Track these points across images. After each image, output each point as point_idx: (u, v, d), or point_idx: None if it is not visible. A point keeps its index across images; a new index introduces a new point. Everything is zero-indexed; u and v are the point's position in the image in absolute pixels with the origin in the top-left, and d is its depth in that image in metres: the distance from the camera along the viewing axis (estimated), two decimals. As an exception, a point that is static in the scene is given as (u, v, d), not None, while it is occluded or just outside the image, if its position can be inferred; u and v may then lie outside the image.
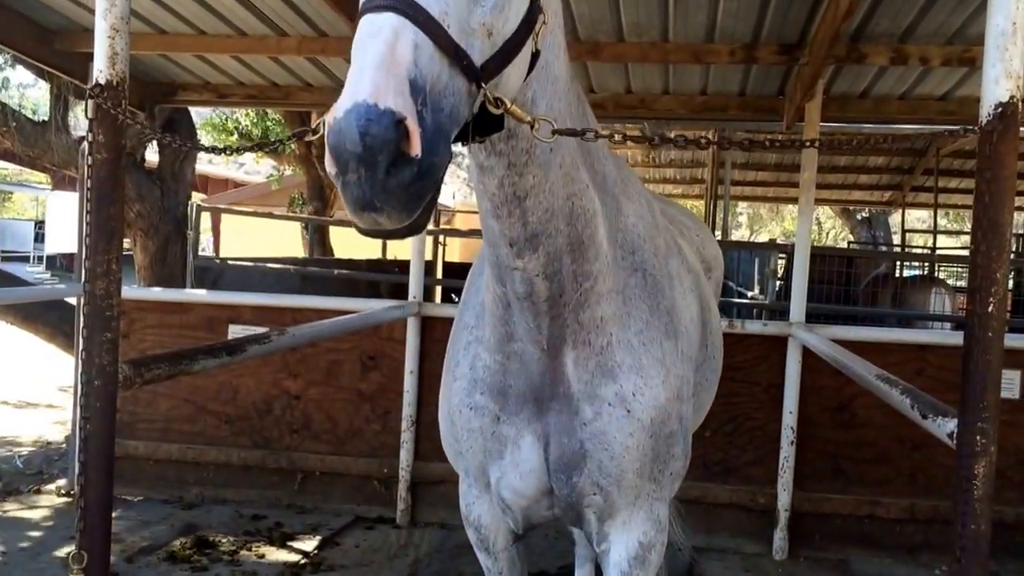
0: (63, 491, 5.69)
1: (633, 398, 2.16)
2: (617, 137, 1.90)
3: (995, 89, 1.90)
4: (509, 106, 1.59)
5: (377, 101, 1.28)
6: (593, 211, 2.04)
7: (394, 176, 1.31)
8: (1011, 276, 10.24)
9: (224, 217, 17.74)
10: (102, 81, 2.14)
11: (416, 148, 1.31)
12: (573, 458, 2.19)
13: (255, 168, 29.85)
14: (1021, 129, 1.94)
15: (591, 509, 2.28)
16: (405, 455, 5.47)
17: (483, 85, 1.52)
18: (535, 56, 1.71)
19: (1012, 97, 1.88)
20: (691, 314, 2.48)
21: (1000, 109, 1.89)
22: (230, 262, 8.67)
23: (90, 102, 2.14)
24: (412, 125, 1.31)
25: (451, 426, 2.40)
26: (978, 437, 1.94)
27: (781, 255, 9.65)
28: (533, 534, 2.79)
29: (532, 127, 1.67)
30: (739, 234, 31.40)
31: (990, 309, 1.92)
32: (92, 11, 2.17)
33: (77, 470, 2.20)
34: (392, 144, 1.29)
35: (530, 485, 2.26)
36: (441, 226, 12.65)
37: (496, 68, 1.56)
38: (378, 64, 1.33)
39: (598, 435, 2.16)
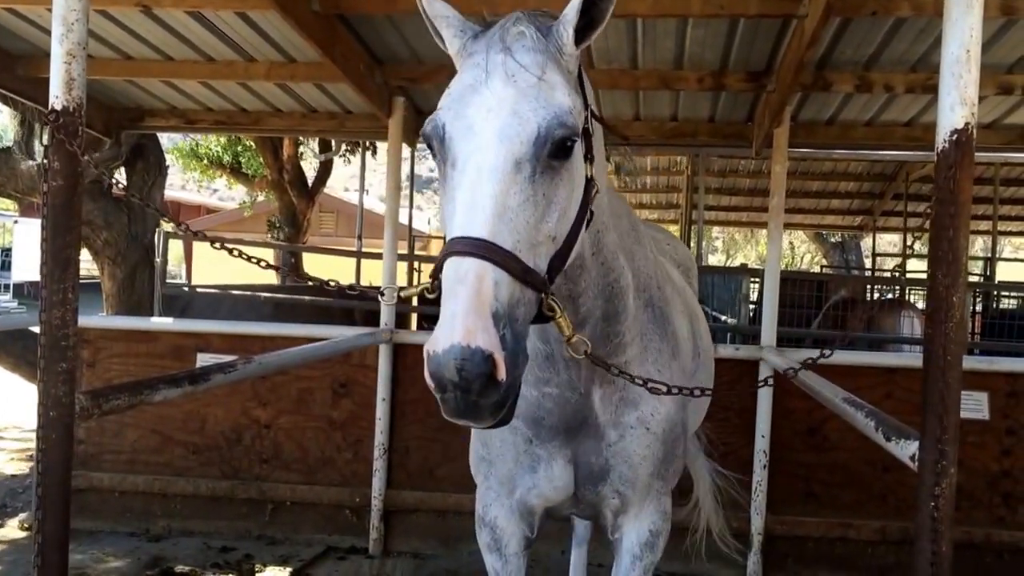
0: (26, 525, 5.56)
1: (651, 418, 2.48)
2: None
3: (950, 116, 1.92)
4: (557, 316, 1.82)
5: (469, 342, 1.51)
6: (627, 286, 2.31)
7: (485, 397, 1.57)
8: (979, 299, 10.38)
9: (195, 245, 17.59)
10: (58, 107, 2.12)
11: (502, 374, 1.55)
12: (600, 473, 2.50)
13: (228, 194, 29.75)
14: (977, 155, 1.96)
15: (609, 508, 2.60)
16: (377, 483, 5.41)
17: (548, 291, 1.75)
18: (590, 218, 1.93)
19: (967, 124, 1.90)
20: (685, 332, 2.75)
21: (955, 136, 1.91)
22: (199, 289, 8.58)
23: (45, 128, 2.12)
24: (499, 357, 1.54)
25: (481, 433, 2.64)
26: (938, 459, 1.96)
27: (754, 280, 9.73)
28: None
29: (570, 340, 1.93)
30: (715, 259, 31.64)
31: (948, 333, 1.94)
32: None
33: (35, 503, 2.15)
34: (484, 376, 1.53)
35: (560, 495, 2.56)
36: (416, 252, 12.62)
37: (561, 264, 1.81)
38: (467, 309, 1.55)
39: (620, 452, 2.48)
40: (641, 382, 2.29)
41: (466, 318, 1.54)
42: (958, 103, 1.91)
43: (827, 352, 2.62)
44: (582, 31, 1.82)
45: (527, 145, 1.68)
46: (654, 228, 4.11)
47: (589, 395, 2.41)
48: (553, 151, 1.71)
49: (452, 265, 1.62)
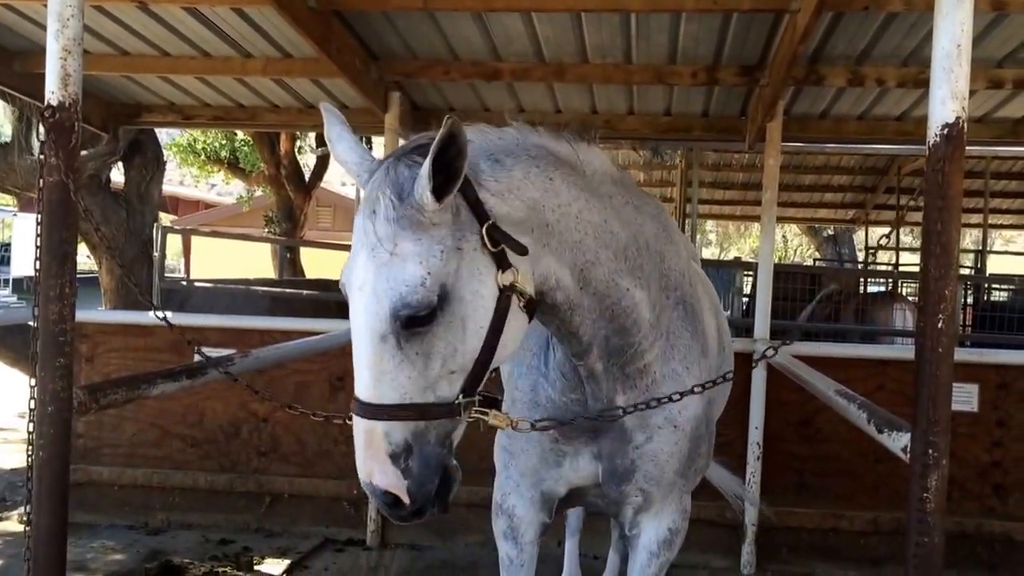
0: (25, 518, 5.59)
1: (679, 416, 2.52)
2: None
3: (941, 110, 1.93)
4: (491, 420, 2.04)
5: (371, 481, 1.89)
6: (633, 305, 2.36)
7: (399, 512, 1.92)
8: (971, 292, 10.43)
9: (194, 238, 17.63)
10: (54, 103, 2.14)
11: (405, 500, 1.89)
12: (625, 472, 2.55)
13: (226, 189, 29.74)
14: (967, 149, 1.98)
15: (631, 506, 2.64)
16: (373, 476, 5.44)
17: (463, 402, 1.95)
18: (530, 302, 2.04)
19: (958, 118, 1.91)
20: (712, 330, 2.80)
21: (947, 130, 1.92)
22: (197, 284, 8.62)
23: (42, 124, 2.14)
24: (397, 489, 1.88)
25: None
26: (930, 451, 1.96)
27: (747, 273, 9.77)
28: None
29: (513, 426, 2.17)
30: (709, 252, 31.64)
31: (939, 325, 1.94)
32: None
33: (27, 498, 2.18)
34: (387, 503, 1.91)
35: (586, 480, 2.63)
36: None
37: (476, 381, 1.97)
38: (364, 457, 1.89)
39: (648, 453, 2.53)
40: (656, 402, 2.44)
41: (366, 464, 1.88)
42: (949, 97, 1.92)
43: (787, 342, 2.69)
44: (443, 186, 1.83)
45: (384, 322, 1.84)
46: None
47: (613, 400, 2.46)
48: (407, 324, 1.84)
49: (355, 422, 1.92)
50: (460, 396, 1.94)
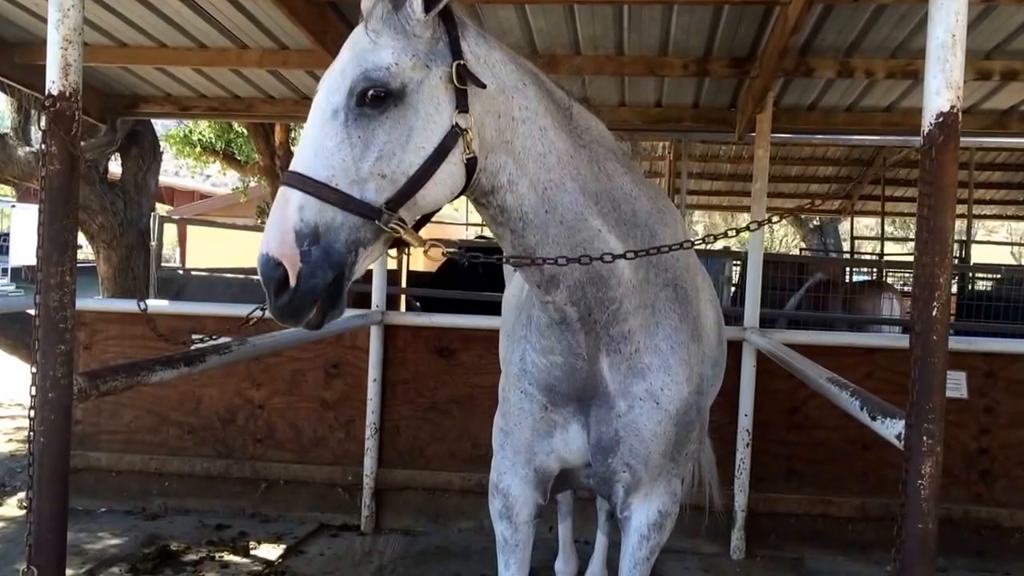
0: (24, 503, 5.65)
1: (661, 392, 2.55)
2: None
3: (936, 100, 1.93)
4: (403, 234, 2.04)
5: (267, 251, 1.90)
6: (608, 249, 2.37)
7: (278, 298, 1.93)
8: (956, 281, 10.51)
9: (190, 228, 17.63)
10: (55, 92, 2.14)
11: (292, 280, 1.90)
12: (609, 443, 2.59)
13: (222, 180, 29.69)
14: (961, 139, 1.98)
15: (620, 484, 2.67)
16: (369, 462, 5.52)
17: (385, 214, 1.98)
18: (472, 161, 2.12)
19: (953, 107, 1.92)
20: (711, 321, 2.87)
21: (941, 119, 1.93)
22: (194, 273, 8.66)
23: (43, 114, 2.16)
24: (288, 264, 1.89)
25: (504, 403, 2.80)
26: (925, 438, 1.97)
27: (735, 262, 9.84)
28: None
29: (424, 249, 2.12)
30: (696, 242, 31.73)
31: (934, 314, 1.95)
32: None
33: (28, 483, 2.22)
34: (274, 280, 1.91)
35: (576, 458, 2.69)
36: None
37: (401, 199, 2.02)
38: (271, 223, 1.93)
39: (630, 424, 2.56)
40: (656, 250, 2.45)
41: (268, 232, 1.92)
42: (944, 87, 1.92)
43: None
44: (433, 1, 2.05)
45: (342, 96, 2.00)
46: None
47: (596, 362, 2.52)
48: (360, 100, 1.98)
49: (277, 192, 1.98)
50: (384, 208, 1.99)
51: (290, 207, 1.92)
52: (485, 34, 2.29)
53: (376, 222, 1.98)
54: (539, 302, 2.49)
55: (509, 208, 2.25)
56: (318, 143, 1.97)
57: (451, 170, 2.08)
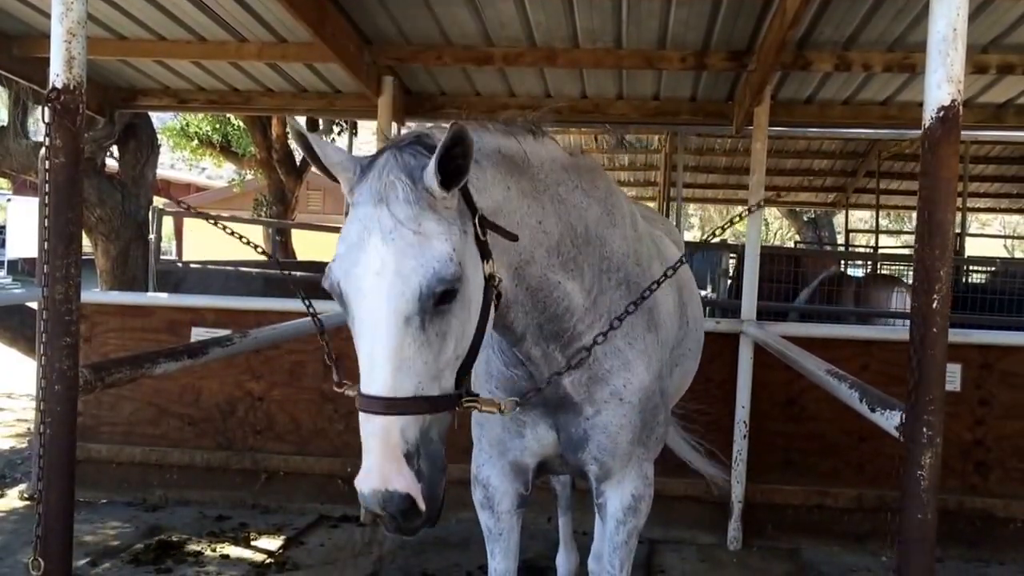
0: (25, 495, 5.69)
1: (624, 389, 2.61)
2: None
3: (937, 93, 1.94)
4: (481, 407, 2.06)
5: (387, 487, 1.78)
6: (564, 295, 2.43)
7: (411, 523, 1.85)
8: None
9: (186, 221, 17.62)
10: (59, 85, 2.13)
11: (422, 505, 1.82)
12: (579, 441, 2.66)
13: (217, 173, 29.65)
14: (962, 133, 1.99)
15: (591, 472, 2.75)
16: (367, 454, 5.53)
17: (460, 402, 1.97)
18: (498, 299, 2.11)
19: (953, 101, 1.93)
20: (668, 307, 2.89)
21: (942, 112, 1.93)
22: (192, 265, 8.67)
23: (47, 107, 2.14)
24: (415, 493, 1.80)
25: None
26: (924, 429, 1.98)
27: (732, 255, 9.88)
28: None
29: (500, 410, 2.16)
30: (691, 235, 31.80)
31: (934, 306, 1.95)
32: (51, 16, 2.19)
33: (37, 475, 2.23)
34: (405, 511, 1.81)
35: (549, 451, 2.75)
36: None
37: (469, 368, 1.99)
38: (381, 460, 1.80)
39: (597, 424, 2.63)
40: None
41: (381, 468, 1.79)
42: (945, 80, 1.93)
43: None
44: (450, 178, 1.90)
45: (413, 302, 1.82)
46: (646, 210, 4.24)
47: (559, 382, 2.54)
48: (438, 301, 1.85)
49: (364, 421, 1.85)
50: (454, 388, 1.95)
51: (392, 436, 1.81)
52: (480, 140, 2.17)
53: (458, 405, 1.96)
54: (507, 349, 2.55)
55: (501, 310, 2.25)
56: (398, 357, 1.82)
57: (492, 315, 2.07)
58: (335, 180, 2.06)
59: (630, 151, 12.54)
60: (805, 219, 20.13)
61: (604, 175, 2.81)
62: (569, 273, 2.43)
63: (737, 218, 2.68)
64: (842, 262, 12.21)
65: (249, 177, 17.26)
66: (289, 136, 13.71)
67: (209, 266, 9.45)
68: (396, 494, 1.78)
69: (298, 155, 14.46)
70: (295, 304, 5.77)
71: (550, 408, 2.65)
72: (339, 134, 13.61)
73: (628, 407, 2.62)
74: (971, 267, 10.92)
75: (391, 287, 1.82)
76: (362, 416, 1.84)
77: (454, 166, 1.88)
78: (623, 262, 2.64)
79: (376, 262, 1.83)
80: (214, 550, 4.94)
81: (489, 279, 2.03)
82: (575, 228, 2.45)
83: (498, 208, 2.15)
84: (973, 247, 17.63)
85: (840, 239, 18.37)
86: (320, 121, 12.96)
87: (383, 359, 1.82)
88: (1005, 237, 26.58)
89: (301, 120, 14.19)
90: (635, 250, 2.71)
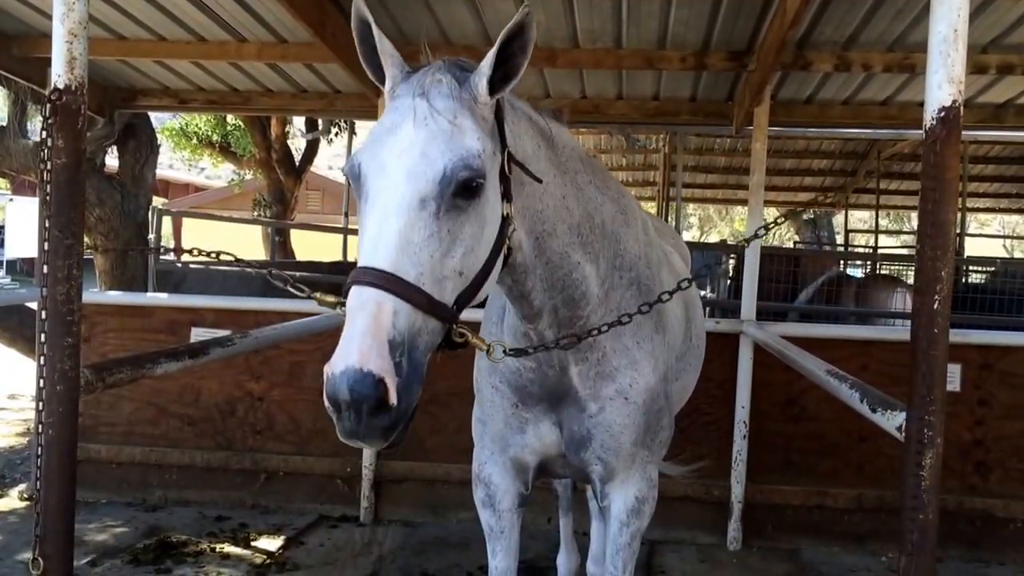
0: (25, 495, 5.68)
1: (630, 388, 2.60)
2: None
3: (938, 94, 1.95)
4: (471, 339, 1.96)
5: (362, 366, 1.61)
6: (583, 277, 2.43)
7: (375, 419, 1.65)
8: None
9: (185, 221, 17.62)
10: (60, 86, 2.13)
11: (393, 399, 1.64)
12: (582, 440, 2.64)
13: (215, 173, 29.65)
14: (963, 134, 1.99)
15: (594, 473, 2.71)
16: (368, 454, 5.53)
17: (457, 322, 1.87)
18: (509, 251, 2.08)
19: (955, 101, 1.94)
20: (676, 313, 2.91)
21: (943, 113, 1.94)
22: (192, 265, 8.67)
23: (48, 107, 2.14)
24: (390, 382, 1.64)
25: (478, 394, 2.84)
26: (925, 430, 1.99)
27: (732, 255, 9.89)
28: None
29: (488, 351, 2.15)
30: (690, 235, 31.87)
31: (936, 306, 1.96)
32: (51, 16, 2.18)
33: (36, 475, 2.22)
34: (374, 399, 1.62)
35: (551, 450, 2.73)
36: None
37: (469, 298, 1.91)
38: (363, 333, 1.65)
39: (601, 423, 2.61)
40: (627, 318, 2.47)
41: (361, 342, 1.64)
42: (945, 81, 1.94)
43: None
44: (498, 83, 1.91)
45: (433, 184, 1.78)
46: (656, 220, 4.24)
47: (566, 371, 2.56)
48: (458, 190, 1.81)
49: (354, 293, 1.72)
50: (453, 307, 1.86)
51: (383, 314, 1.68)
52: (513, 100, 2.18)
53: (452, 326, 1.86)
54: (521, 328, 2.50)
55: (516, 264, 2.22)
56: (404, 236, 1.75)
57: (501, 262, 2.03)
58: (376, 75, 2.06)
59: (638, 151, 12.55)
60: (804, 219, 20.14)
61: (614, 178, 2.83)
62: (588, 256, 2.43)
63: (781, 218, 2.66)
64: (841, 262, 12.21)
65: (248, 177, 17.26)
66: (289, 136, 13.73)
67: (209, 266, 9.43)
68: (370, 376, 1.61)
69: (297, 155, 14.47)
70: (295, 304, 5.80)
71: (553, 404, 2.65)
72: (336, 135, 13.62)
73: (633, 407, 2.62)
74: (971, 267, 10.94)
75: (414, 165, 1.79)
76: (353, 291, 1.72)
77: (508, 66, 1.89)
78: (635, 263, 2.64)
79: (405, 142, 1.81)
80: (214, 550, 4.94)
81: (506, 219, 1.99)
82: (593, 217, 2.45)
83: (527, 160, 2.14)
84: (973, 247, 17.67)
85: (840, 239, 18.41)
86: (320, 121, 12.97)
87: (391, 234, 1.75)
88: (1005, 237, 26.63)
89: (300, 121, 14.23)
90: (646, 253, 2.72)
